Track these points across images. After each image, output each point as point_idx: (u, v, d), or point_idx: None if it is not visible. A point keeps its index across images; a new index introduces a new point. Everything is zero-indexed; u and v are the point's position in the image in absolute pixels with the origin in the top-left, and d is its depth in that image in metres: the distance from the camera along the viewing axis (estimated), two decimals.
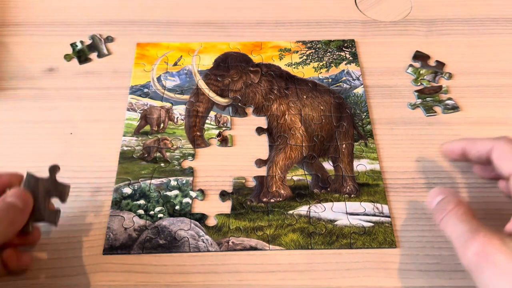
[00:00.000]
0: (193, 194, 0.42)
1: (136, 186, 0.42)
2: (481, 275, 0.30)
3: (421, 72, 0.51)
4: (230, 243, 0.39)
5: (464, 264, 0.31)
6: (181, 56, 0.52)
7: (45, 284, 0.36)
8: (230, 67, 0.51)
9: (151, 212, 0.41)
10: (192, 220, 0.40)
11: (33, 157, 0.43)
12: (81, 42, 0.53)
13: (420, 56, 0.52)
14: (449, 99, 0.48)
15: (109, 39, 0.53)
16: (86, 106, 0.48)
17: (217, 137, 0.46)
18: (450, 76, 0.50)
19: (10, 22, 0.55)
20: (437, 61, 0.52)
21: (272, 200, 0.42)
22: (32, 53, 0.52)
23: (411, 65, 0.51)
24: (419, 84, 0.50)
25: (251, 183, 0.43)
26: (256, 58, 0.52)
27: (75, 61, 0.51)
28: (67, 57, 0.51)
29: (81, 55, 0.52)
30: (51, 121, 0.46)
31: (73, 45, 0.52)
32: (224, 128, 0.47)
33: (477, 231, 0.31)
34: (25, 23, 0.54)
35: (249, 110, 0.48)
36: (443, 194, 0.36)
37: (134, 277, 0.37)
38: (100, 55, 0.52)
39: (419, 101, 0.48)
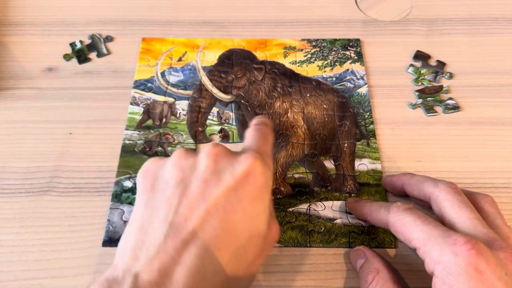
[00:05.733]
0: None
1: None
2: None
3: (421, 72, 0.51)
4: None
5: None
6: (186, 51, 0.52)
7: (45, 285, 0.36)
8: (234, 64, 0.51)
9: None
10: None
11: (32, 157, 0.43)
12: (81, 41, 0.53)
13: (420, 56, 0.52)
14: (450, 99, 0.48)
15: (108, 39, 0.53)
16: (85, 106, 0.47)
17: (219, 133, 0.46)
18: (451, 76, 0.50)
19: (9, 21, 0.55)
20: (437, 60, 0.52)
21: (272, 197, 0.41)
22: (31, 53, 0.52)
23: (411, 65, 0.51)
24: (420, 84, 0.50)
25: None
26: (260, 56, 0.52)
27: (74, 60, 0.51)
28: (67, 57, 0.51)
29: (81, 54, 0.52)
30: (50, 121, 0.46)
31: (72, 44, 0.52)
32: (226, 125, 0.47)
33: None
34: (24, 23, 0.54)
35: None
36: (363, 257, 0.35)
37: None
38: (100, 55, 0.52)
39: (419, 101, 0.48)
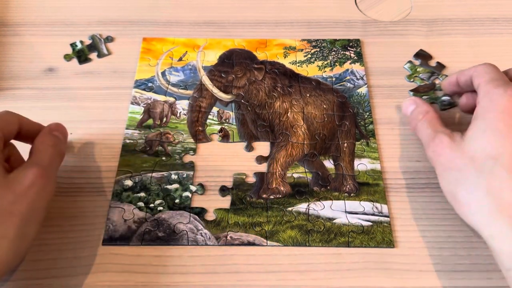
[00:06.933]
0: (193, 188, 0.42)
1: (137, 179, 0.42)
2: (436, 167, 0.37)
3: (417, 69, 0.51)
4: (228, 237, 0.39)
5: (428, 159, 0.39)
6: (186, 51, 0.52)
7: (45, 285, 0.36)
8: (235, 63, 0.51)
9: (151, 205, 0.41)
10: (191, 214, 0.40)
11: None
12: (81, 42, 0.53)
13: (422, 55, 0.52)
14: (445, 95, 0.48)
15: (109, 39, 0.53)
16: (85, 106, 0.47)
17: (219, 132, 0.46)
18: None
19: (10, 22, 0.55)
20: (438, 62, 0.51)
21: (271, 197, 0.42)
22: (32, 53, 0.52)
23: (410, 61, 0.51)
24: (412, 80, 0.50)
25: (251, 179, 0.43)
26: (260, 56, 0.52)
27: (74, 61, 0.51)
28: (67, 57, 0.51)
29: (81, 55, 0.52)
30: (51, 121, 0.46)
31: (72, 45, 0.52)
32: (226, 124, 0.47)
33: (436, 133, 0.38)
34: (24, 23, 0.54)
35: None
36: (415, 104, 0.42)
37: (133, 268, 0.37)
38: (100, 55, 0.52)
39: None
